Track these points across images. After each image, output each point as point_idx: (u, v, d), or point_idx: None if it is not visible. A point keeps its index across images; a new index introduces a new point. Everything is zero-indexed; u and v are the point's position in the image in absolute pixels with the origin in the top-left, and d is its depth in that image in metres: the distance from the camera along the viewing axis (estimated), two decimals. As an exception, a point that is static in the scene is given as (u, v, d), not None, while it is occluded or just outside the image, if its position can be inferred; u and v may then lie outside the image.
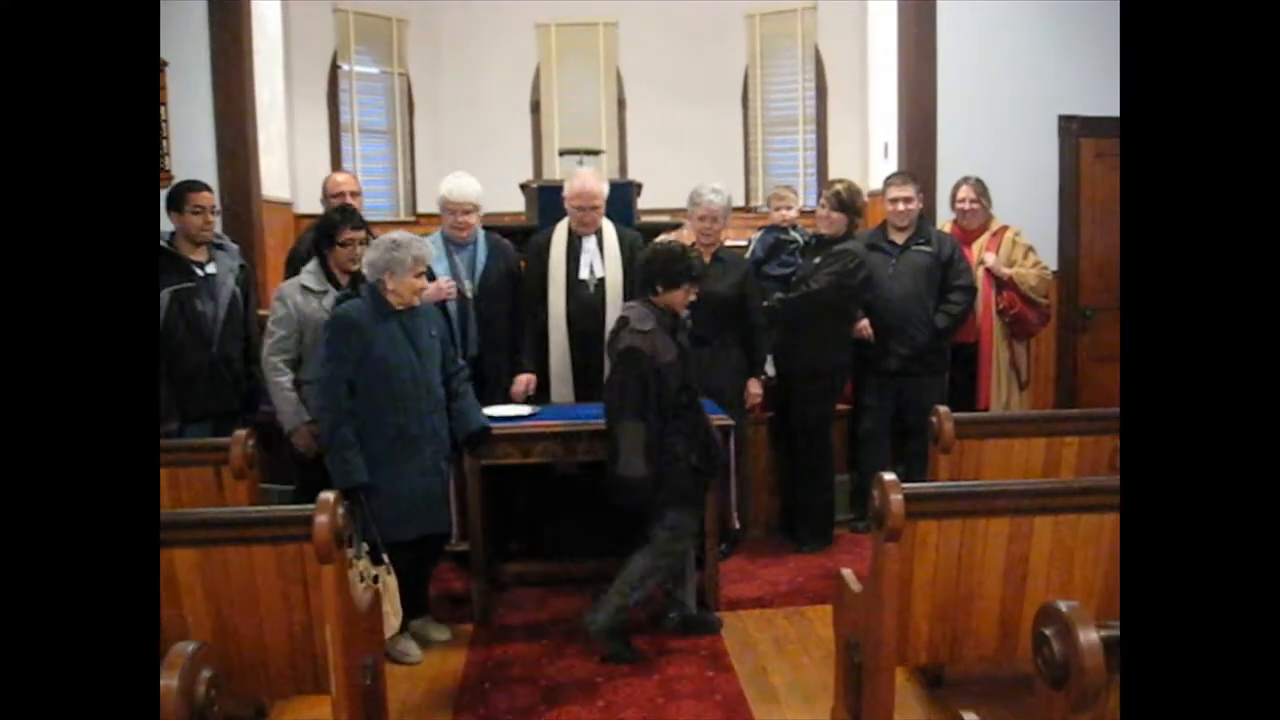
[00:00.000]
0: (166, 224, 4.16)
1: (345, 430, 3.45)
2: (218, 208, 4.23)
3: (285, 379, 3.95)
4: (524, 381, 4.37)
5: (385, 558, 3.30)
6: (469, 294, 4.37)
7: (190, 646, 1.56)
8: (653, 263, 3.68)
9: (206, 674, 1.56)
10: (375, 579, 3.16)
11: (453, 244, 4.42)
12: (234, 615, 2.49)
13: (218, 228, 4.36)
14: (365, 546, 3.24)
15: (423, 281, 3.58)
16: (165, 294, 4.00)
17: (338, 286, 4.00)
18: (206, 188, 4.24)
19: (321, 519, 2.43)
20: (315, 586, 2.47)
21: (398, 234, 3.66)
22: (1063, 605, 1.82)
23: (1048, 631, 1.83)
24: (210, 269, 4.16)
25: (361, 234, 4.06)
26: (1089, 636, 1.76)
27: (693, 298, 3.71)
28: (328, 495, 2.49)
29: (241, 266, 4.33)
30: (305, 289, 4.00)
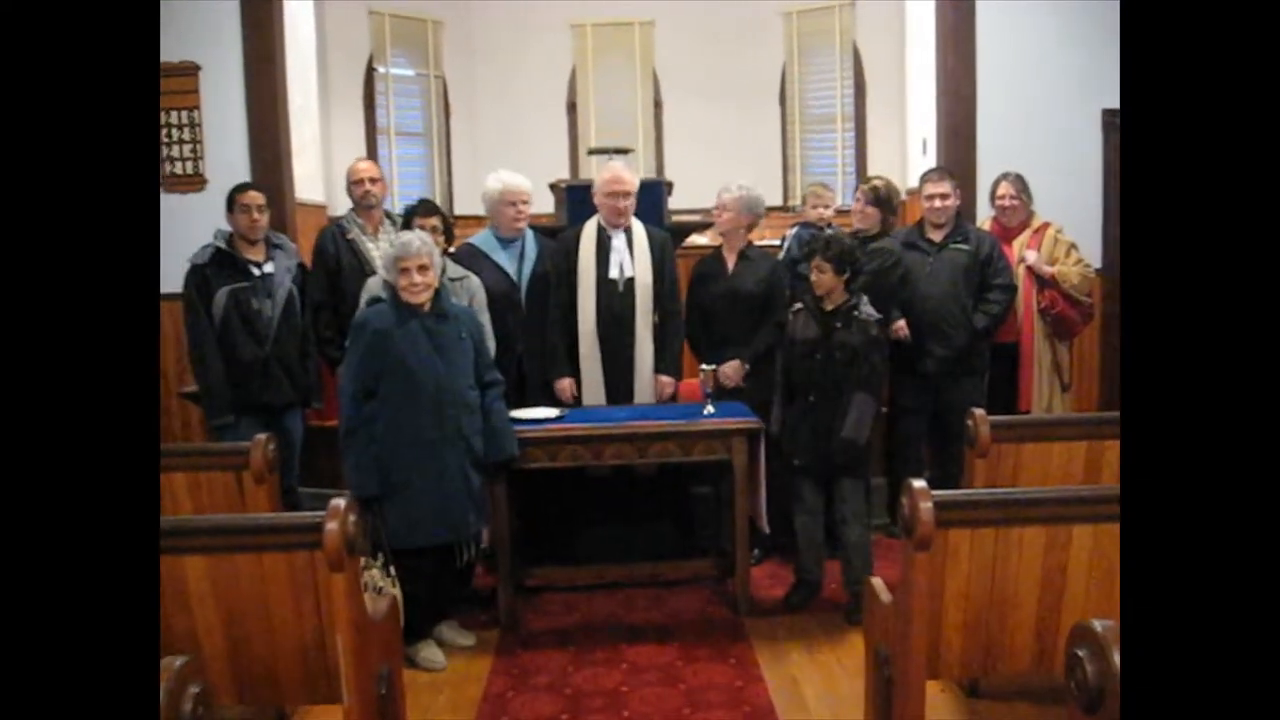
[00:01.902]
0: (225, 225, 4.35)
1: (358, 437, 3.44)
2: (264, 206, 4.34)
3: None
4: (568, 386, 4.29)
5: (392, 570, 3.26)
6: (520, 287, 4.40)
7: (177, 661, 1.51)
8: None
9: (194, 689, 1.51)
10: (380, 590, 3.11)
11: (500, 240, 4.43)
12: (245, 624, 2.45)
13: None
14: (380, 558, 3.20)
15: (410, 278, 3.47)
16: (222, 293, 4.17)
17: None
18: (253, 187, 4.42)
19: (332, 526, 2.38)
20: (326, 595, 2.42)
21: (403, 233, 3.69)
22: (1097, 625, 1.69)
23: (1080, 653, 1.70)
24: (268, 268, 4.31)
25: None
26: (1125, 658, 1.64)
27: (814, 277, 3.92)
28: (338, 502, 2.44)
29: (300, 265, 4.47)
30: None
